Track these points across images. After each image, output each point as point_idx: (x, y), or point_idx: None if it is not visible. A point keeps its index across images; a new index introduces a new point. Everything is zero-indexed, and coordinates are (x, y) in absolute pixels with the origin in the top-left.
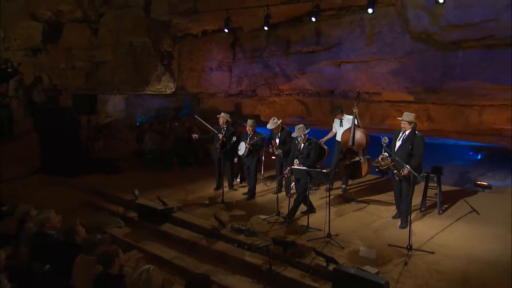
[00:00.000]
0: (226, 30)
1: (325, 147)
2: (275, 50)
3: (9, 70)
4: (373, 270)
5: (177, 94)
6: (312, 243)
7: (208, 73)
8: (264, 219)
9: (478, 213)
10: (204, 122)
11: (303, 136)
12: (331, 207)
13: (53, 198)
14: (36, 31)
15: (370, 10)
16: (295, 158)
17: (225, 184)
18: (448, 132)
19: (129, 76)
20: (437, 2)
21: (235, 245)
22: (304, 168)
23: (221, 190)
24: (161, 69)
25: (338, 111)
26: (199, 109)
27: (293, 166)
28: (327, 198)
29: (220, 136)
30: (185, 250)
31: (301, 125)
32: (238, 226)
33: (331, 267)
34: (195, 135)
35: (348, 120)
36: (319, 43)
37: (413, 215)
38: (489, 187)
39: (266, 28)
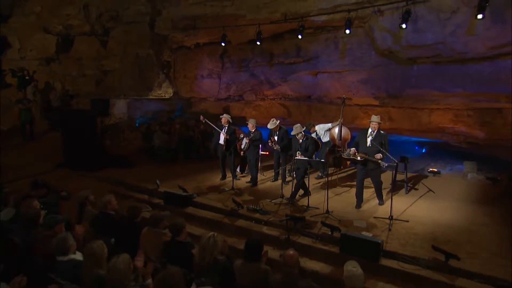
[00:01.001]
0: (223, 44)
1: (319, 141)
2: (260, 61)
3: (27, 78)
4: (369, 234)
5: (171, 98)
6: (315, 218)
7: (199, 80)
8: (270, 201)
9: (433, 192)
10: (209, 122)
11: (302, 133)
12: (322, 191)
13: (84, 188)
14: (51, 43)
15: (347, 31)
16: (297, 151)
17: (228, 174)
18: (404, 130)
19: (134, 82)
20: (401, 27)
21: (253, 221)
22: (306, 158)
23: (226, 180)
24: (162, 76)
25: (310, 126)
26: (191, 111)
27: (296, 157)
28: (326, 183)
29: (224, 134)
30: (210, 228)
31: (298, 124)
32: (253, 207)
33: (336, 234)
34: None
35: (321, 128)
36: (299, 55)
37: (386, 195)
38: (438, 172)
39: (258, 43)
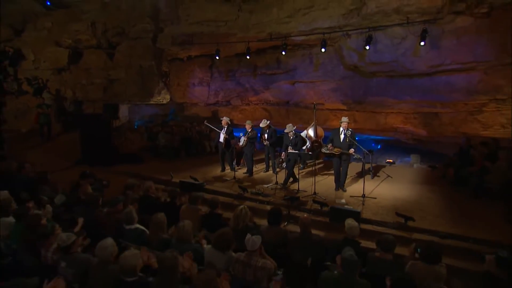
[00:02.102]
0: (217, 58)
1: (306, 138)
2: (245, 71)
3: (41, 85)
4: (350, 207)
5: (165, 103)
6: (306, 198)
7: (191, 87)
8: (267, 187)
9: (391, 177)
10: (210, 125)
11: (293, 131)
12: (305, 178)
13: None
14: (63, 55)
15: (323, 50)
16: (289, 146)
17: (227, 167)
18: (366, 130)
19: (138, 90)
20: (365, 48)
21: (258, 202)
22: (296, 152)
23: (225, 171)
24: (161, 84)
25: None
26: (182, 115)
27: (288, 151)
28: (314, 171)
29: (224, 134)
30: (224, 208)
31: (290, 124)
32: (256, 191)
33: (325, 208)
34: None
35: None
36: (279, 67)
37: (356, 180)
38: (393, 163)
39: (248, 57)
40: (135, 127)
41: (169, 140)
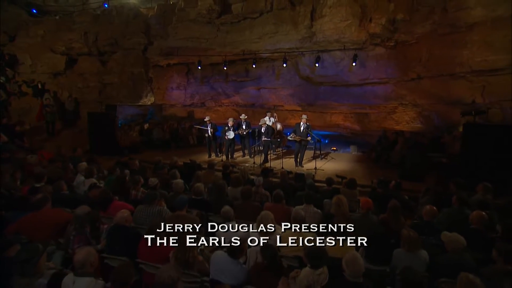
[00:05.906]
0: (199, 67)
1: (275, 129)
2: (218, 78)
3: (40, 88)
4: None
5: (146, 104)
6: (277, 170)
7: (170, 91)
8: (248, 165)
9: (335, 159)
10: (198, 126)
11: (265, 124)
12: (274, 160)
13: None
14: (60, 61)
15: (284, 65)
16: (262, 135)
17: (212, 154)
18: (316, 126)
19: (129, 93)
20: (315, 65)
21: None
22: (269, 139)
23: (211, 157)
24: (148, 88)
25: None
26: (161, 115)
27: (263, 139)
28: (281, 154)
29: (210, 130)
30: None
31: (262, 118)
32: (241, 167)
33: (291, 175)
34: (195, 128)
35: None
36: (248, 76)
37: (310, 160)
38: (337, 150)
39: (225, 68)
40: (119, 125)
41: (162, 135)
